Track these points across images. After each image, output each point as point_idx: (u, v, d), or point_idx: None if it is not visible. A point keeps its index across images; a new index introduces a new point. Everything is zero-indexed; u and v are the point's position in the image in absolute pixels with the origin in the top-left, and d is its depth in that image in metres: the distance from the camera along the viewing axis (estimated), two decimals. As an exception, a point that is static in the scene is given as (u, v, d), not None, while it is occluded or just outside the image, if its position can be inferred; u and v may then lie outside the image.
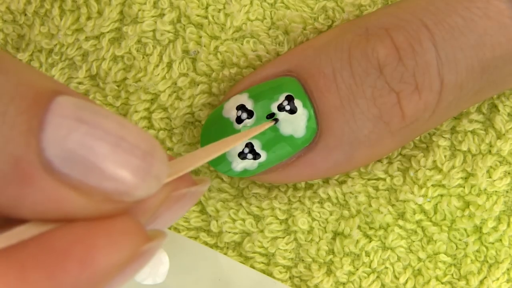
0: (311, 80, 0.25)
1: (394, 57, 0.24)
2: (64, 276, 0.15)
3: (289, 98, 0.25)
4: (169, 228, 0.28)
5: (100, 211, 0.16)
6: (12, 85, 0.15)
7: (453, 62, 0.24)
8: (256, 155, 0.25)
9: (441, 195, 0.28)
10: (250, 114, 0.25)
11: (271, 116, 0.25)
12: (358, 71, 0.24)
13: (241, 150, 0.25)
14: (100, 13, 0.28)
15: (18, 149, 0.15)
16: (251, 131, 0.23)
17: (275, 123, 0.25)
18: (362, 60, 0.24)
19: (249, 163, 0.25)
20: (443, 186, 0.27)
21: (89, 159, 0.15)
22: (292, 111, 0.25)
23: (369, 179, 0.28)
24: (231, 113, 0.25)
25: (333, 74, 0.25)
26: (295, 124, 0.25)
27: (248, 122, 0.25)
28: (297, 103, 0.25)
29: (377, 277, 0.28)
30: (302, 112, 0.25)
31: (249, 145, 0.25)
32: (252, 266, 0.28)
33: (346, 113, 0.25)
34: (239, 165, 0.25)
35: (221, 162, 0.25)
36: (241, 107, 0.25)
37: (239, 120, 0.25)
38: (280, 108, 0.25)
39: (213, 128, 0.26)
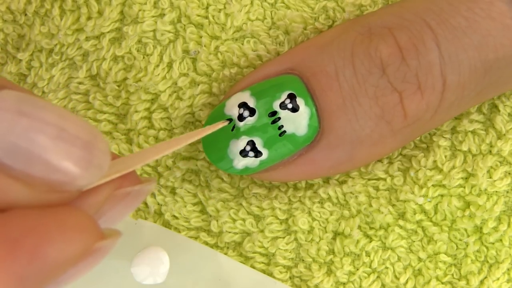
0: (314, 79, 0.25)
1: (397, 56, 0.24)
2: (13, 266, 0.15)
3: (291, 96, 0.25)
4: (169, 228, 0.28)
5: (43, 200, 0.16)
6: None
7: (456, 63, 0.24)
8: (257, 153, 0.25)
9: (442, 195, 0.28)
10: (252, 112, 0.25)
11: (273, 114, 0.25)
12: (360, 70, 0.24)
13: (242, 148, 0.25)
14: (100, 13, 0.28)
15: None
16: (203, 130, 0.23)
17: (228, 123, 0.25)
18: (365, 59, 0.24)
19: (250, 161, 0.25)
20: (444, 186, 0.27)
21: (31, 151, 0.15)
22: (294, 109, 0.25)
23: (369, 179, 0.28)
24: (233, 111, 0.25)
25: (335, 72, 0.25)
26: (297, 122, 0.25)
27: (249, 120, 0.25)
28: (299, 101, 0.25)
29: (378, 277, 0.28)
30: (304, 111, 0.25)
31: (251, 143, 0.25)
32: (252, 266, 0.28)
33: (348, 112, 0.25)
34: (241, 162, 0.25)
35: (222, 159, 0.25)
36: (243, 105, 0.25)
37: (241, 118, 0.25)
38: (282, 106, 0.25)
39: (214, 126, 0.26)
